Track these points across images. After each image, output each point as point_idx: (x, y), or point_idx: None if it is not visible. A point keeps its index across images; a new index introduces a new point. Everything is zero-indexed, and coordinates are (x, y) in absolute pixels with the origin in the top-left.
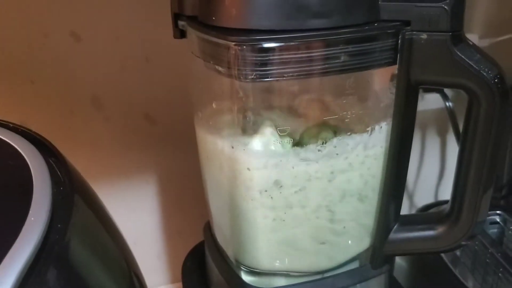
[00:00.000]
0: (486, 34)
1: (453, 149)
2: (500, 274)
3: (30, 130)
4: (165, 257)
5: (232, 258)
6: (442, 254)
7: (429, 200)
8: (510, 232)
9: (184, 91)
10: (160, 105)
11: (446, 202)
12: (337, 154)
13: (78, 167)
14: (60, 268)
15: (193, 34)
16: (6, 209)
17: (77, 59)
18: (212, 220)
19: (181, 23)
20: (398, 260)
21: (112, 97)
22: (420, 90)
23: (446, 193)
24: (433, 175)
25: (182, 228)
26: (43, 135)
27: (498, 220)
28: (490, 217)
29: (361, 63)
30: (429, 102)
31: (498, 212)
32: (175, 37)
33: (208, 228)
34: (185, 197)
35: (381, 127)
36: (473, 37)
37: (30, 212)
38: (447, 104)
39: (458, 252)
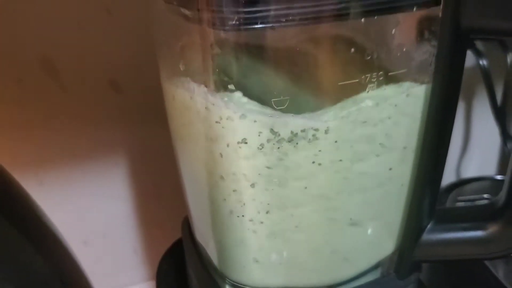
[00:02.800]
0: None
1: (480, 118)
2: None
3: None
4: (143, 251)
5: (216, 268)
6: None
7: (450, 178)
8: None
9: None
10: (128, 68)
11: (471, 180)
12: (360, 124)
13: (32, 147)
14: None
15: None
16: None
17: (23, 14)
18: (191, 216)
19: None
20: None
21: (68, 60)
22: None
23: (469, 170)
24: (455, 149)
25: (161, 217)
26: None
27: None
28: None
29: (390, 1)
30: None
31: None
32: None
33: (186, 225)
34: (163, 182)
35: (416, 91)
36: None
37: None
38: (480, 63)
39: None
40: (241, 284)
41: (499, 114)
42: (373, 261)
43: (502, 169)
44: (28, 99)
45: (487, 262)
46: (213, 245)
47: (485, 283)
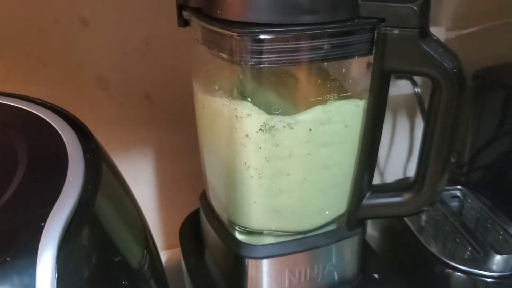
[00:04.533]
0: (453, 27)
1: (421, 131)
2: (457, 240)
3: (55, 105)
4: (161, 225)
5: (226, 221)
6: (409, 223)
7: (399, 176)
8: (468, 204)
9: (180, 73)
10: (159, 85)
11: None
12: (322, 123)
13: None
14: (93, 221)
15: (198, 24)
16: (49, 171)
17: (85, 43)
18: (208, 188)
19: (185, 13)
20: (370, 230)
21: (115, 78)
22: (393, 77)
23: (414, 171)
24: (402, 154)
25: (176, 198)
26: None
27: (458, 194)
28: (451, 192)
29: (343, 53)
30: (400, 88)
31: (459, 187)
32: (179, 25)
33: (204, 197)
34: (179, 170)
35: (358, 105)
36: (440, 30)
37: (69, 173)
38: (415, 89)
39: (423, 222)
40: (245, 227)
41: None
42: (331, 217)
43: None
44: (84, 106)
45: (405, 219)
46: (226, 203)
47: (403, 233)
